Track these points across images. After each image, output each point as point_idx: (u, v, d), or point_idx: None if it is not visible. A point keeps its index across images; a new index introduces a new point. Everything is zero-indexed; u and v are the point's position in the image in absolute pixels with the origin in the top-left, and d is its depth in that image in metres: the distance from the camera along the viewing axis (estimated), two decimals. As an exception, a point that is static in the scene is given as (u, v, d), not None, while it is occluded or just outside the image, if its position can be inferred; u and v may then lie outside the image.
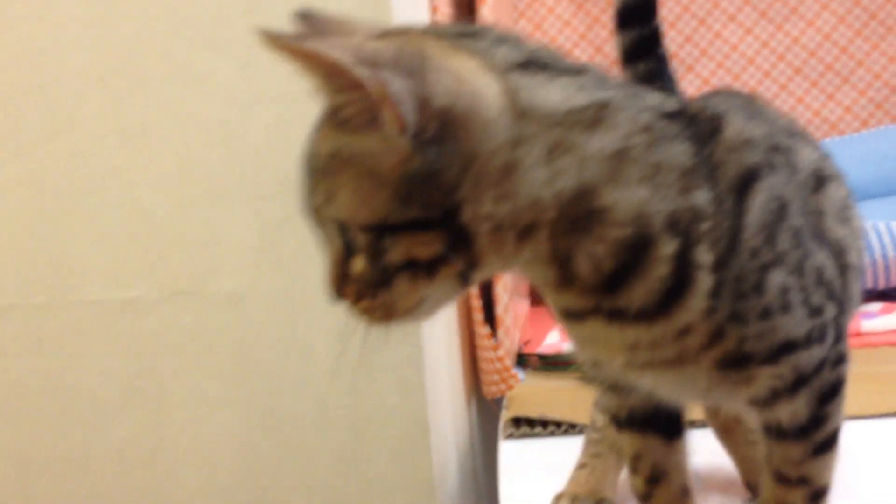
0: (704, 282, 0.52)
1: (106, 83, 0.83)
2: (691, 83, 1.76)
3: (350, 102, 0.49)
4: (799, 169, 0.59)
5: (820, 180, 0.61)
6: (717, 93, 0.71)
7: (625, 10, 0.75)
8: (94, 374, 0.87)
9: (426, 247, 0.50)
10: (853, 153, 1.67)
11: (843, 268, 0.61)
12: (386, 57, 0.48)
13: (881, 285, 1.31)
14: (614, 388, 0.62)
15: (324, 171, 0.51)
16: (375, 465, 0.86)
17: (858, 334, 1.18)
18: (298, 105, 0.81)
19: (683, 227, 0.52)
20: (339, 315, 0.84)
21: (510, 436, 0.99)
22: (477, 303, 1.07)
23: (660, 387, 0.58)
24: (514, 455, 0.96)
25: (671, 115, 0.54)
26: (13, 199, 0.85)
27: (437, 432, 0.88)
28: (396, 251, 0.50)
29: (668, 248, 0.51)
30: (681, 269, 0.52)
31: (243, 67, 0.83)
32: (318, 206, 0.53)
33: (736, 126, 0.56)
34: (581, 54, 1.77)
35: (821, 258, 0.59)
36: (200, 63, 0.83)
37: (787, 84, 1.76)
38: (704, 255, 0.52)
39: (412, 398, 0.85)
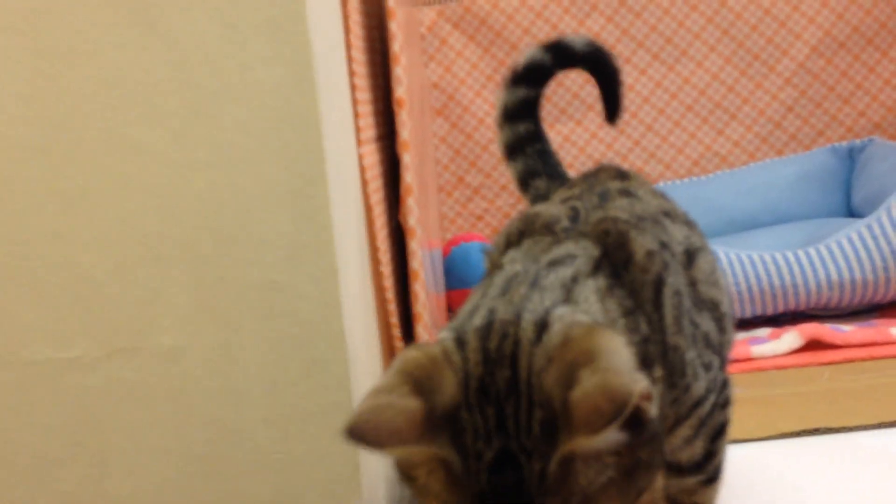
0: (657, 390, 0.61)
1: (47, 152, 0.87)
2: (592, 121, 1.86)
3: None
4: (675, 253, 0.69)
5: (690, 256, 0.70)
6: (601, 170, 0.80)
7: (524, 71, 0.86)
8: (38, 429, 0.90)
9: None
10: (742, 185, 1.79)
11: (719, 319, 0.71)
12: None
13: (769, 311, 1.41)
14: None
15: None
16: (310, 504, 0.92)
17: (749, 359, 1.28)
18: (229, 172, 0.88)
19: (642, 355, 0.60)
20: (272, 366, 0.91)
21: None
22: (401, 345, 1.14)
23: None
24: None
25: (599, 265, 0.63)
26: (-47, 263, 0.88)
27: (367, 471, 0.94)
28: None
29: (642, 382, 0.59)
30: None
31: (177, 137, 0.88)
32: None
33: (640, 246, 0.65)
34: (488, 95, 1.85)
35: (706, 324, 0.69)
36: (137, 132, 0.87)
37: (680, 121, 1.87)
38: (658, 371, 0.62)
39: (343, 441, 0.90)
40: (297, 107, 0.87)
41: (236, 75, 0.86)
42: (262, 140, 0.87)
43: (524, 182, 0.90)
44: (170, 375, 0.90)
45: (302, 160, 0.88)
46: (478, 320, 0.59)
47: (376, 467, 1.00)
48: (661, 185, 1.81)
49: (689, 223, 0.74)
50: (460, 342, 0.58)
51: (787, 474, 0.95)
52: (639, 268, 0.64)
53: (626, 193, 0.73)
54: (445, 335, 0.60)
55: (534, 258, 0.64)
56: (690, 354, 0.64)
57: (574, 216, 0.68)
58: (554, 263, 0.63)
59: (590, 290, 0.62)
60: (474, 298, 0.64)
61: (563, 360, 0.54)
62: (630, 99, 1.87)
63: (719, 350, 0.69)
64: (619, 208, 0.69)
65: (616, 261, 0.64)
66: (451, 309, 1.61)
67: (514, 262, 0.65)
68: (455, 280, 1.59)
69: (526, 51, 0.91)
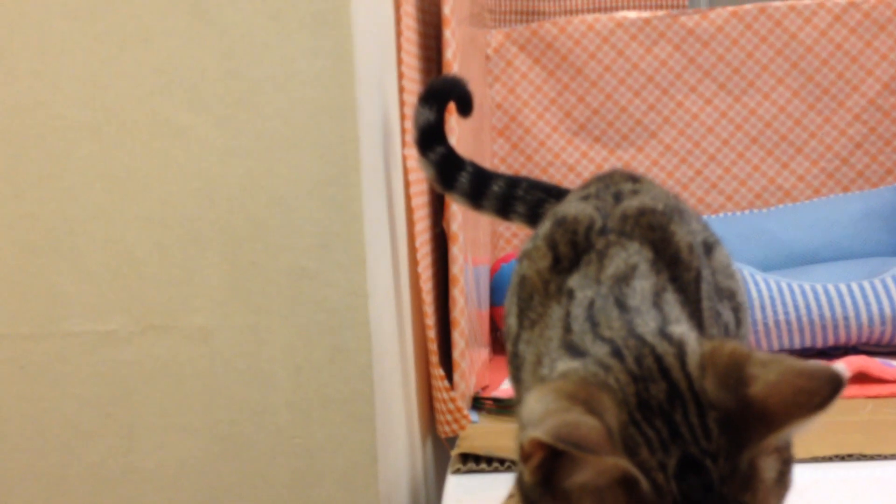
0: None
1: (97, 134, 0.91)
2: (654, 149, 1.85)
3: None
4: (698, 244, 0.71)
5: (708, 247, 0.72)
6: (613, 172, 0.82)
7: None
8: (71, 400, 0.94)
9: None
10: (805, 219, 1.75)
11: (736, 308, 0.72)
12: None
13: (819, 344, 1.38)
14: None
15: None
16: (325, 491, 0.93)
17: (792, 389, 1.25)
18: (266, 159, 0.91)
19: None
20: (298, 351, 0.92)
21: (457, 470, 1.06)
22: (433, 347, 1.15)
23: None
24: (458, 488, 1.02)
25: (658, 270, 0.69)
26: (7, 235, 0.92)
27: (386, 463, 0.95)
28: None
29: None
30: None
31: (219, 123, 0.91)
32: None
33: (683, 240, 0.69)
34: (551, 118, 1.86)
35: (726, 314, 0.70)
36: (182, 118, 0.91)
37: (745, 152, 1.84)
38: None
39: (362, 430, 0.92)
40: (335, 99, 0.89)
41: (279, 65, 0.89)
42: (301, 130, 0.90)
43: (534, 216, 0.93)
44: (199, 355, 0.93)
45: (337, 151, 0.90)
46: (598, 349, 0.61)
47: (395, 459, 1.00)
48: (721, 216, 1.79)
49: (704, 223, 0.76)
50: (601, 365, 0.59)
51: (814, 497, 0.92)
52: (684, 265, 0.67)
53: (638, 194, 0.74)
54: (567, 365, 0.61)
55: (595, 279, 0.66)
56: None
57: (602, 212, 0.70)
58: (621, 279, 0.65)
59: (672, 305, 0.64)
60: (554, 332, 0.66)
61: (718, 366, 0.57)
62: (694, 128, 1.85)
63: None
64: (653, 198, 0.71)
65: (666, 258, 0.66)
66: (496, 325, 1.61)
67: (582, 288, 0.67)
68: (503, 296, 1.59)
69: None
